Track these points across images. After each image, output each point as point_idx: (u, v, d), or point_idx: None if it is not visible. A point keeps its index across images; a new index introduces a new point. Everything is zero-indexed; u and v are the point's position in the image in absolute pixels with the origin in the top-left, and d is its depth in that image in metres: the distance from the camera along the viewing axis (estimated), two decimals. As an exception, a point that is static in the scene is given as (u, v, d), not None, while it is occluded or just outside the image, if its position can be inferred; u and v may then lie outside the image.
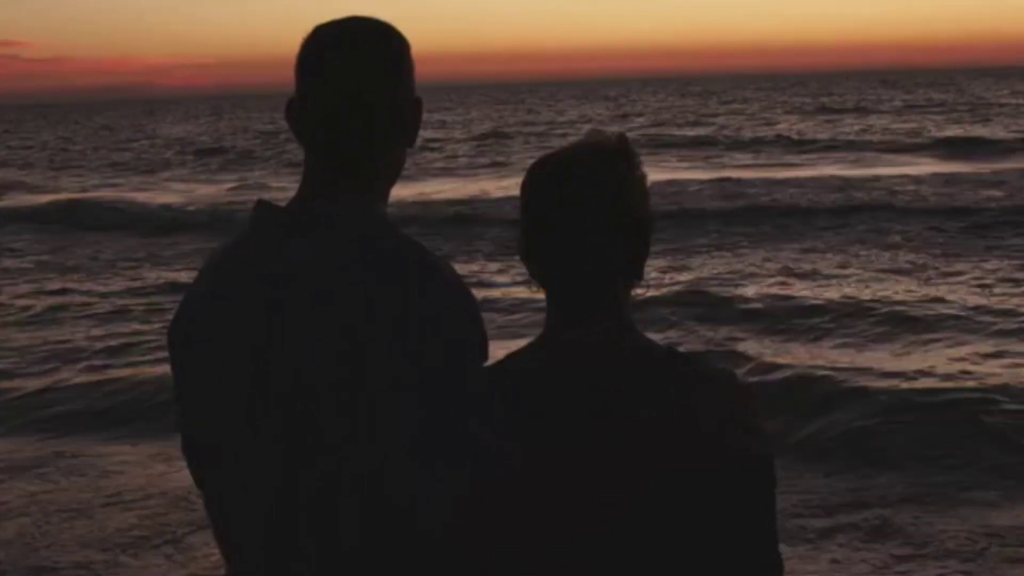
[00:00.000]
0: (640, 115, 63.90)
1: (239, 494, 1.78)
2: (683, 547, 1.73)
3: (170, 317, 1.91)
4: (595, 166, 1.80)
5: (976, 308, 11.64)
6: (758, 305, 12.20)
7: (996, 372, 9.16)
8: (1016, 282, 13.22)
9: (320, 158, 1.82)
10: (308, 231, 1.76)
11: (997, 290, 12.76)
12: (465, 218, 21.75)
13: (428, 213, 22.05)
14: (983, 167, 26.87)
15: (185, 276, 15.07)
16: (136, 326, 12.51)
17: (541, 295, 1.88)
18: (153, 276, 16.27)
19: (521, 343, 1.87)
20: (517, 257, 1.89)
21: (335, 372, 1.68)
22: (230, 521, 1.82)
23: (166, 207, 25.49)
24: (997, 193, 21.60)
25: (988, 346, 10.12)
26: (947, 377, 8.98)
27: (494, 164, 35.37)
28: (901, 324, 11.05)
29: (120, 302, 14.12)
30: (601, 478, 1.73)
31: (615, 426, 1.74)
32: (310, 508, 1.71)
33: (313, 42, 1.84)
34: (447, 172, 33.45)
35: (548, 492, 1.73)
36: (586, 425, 1.75)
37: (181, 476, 6.83)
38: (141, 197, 28.14)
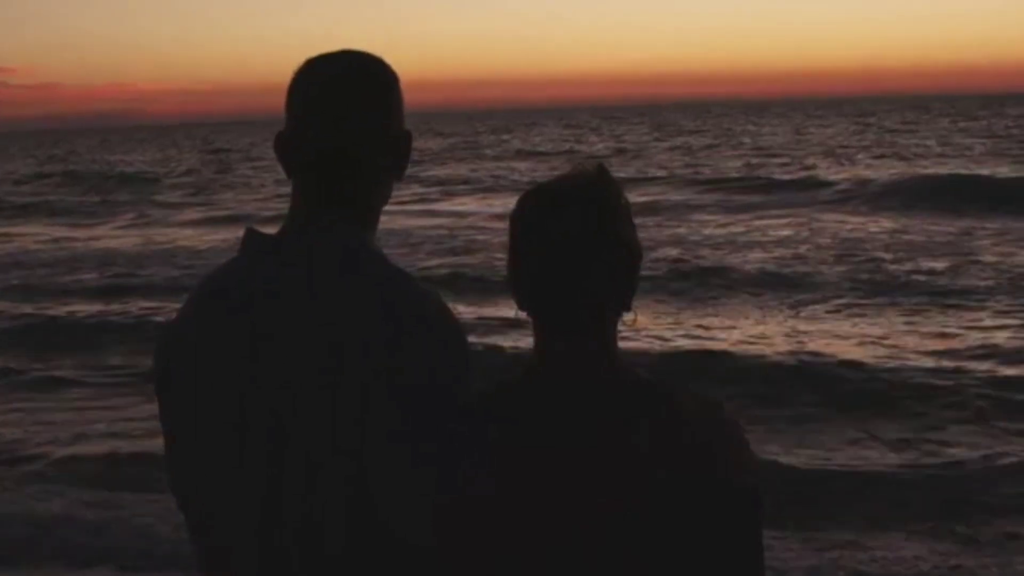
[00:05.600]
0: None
1: (228, 512, 1.80)
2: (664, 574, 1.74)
3: None
4: (585, 195, 1.82)
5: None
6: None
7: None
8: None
9: (309, 190, 1.85)
10: (294, 258, 1.79)
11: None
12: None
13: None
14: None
15: None
16: None
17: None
18: None
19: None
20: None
21: (316, 390, 1.72)
22: (218, 536, 1.83)
23: None
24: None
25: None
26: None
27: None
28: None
29: None
30: (582, 503, 1.74)
31: (599, 452, 1.75)
32: (296, 521, 1.75)
33: (304, 76, 1.86)
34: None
35: (529, 512, 1.75)
36: (570, 449, 1.76)
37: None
38: None
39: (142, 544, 6.60)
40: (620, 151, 50.43)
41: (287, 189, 1.89)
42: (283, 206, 1.93)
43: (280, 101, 1.89)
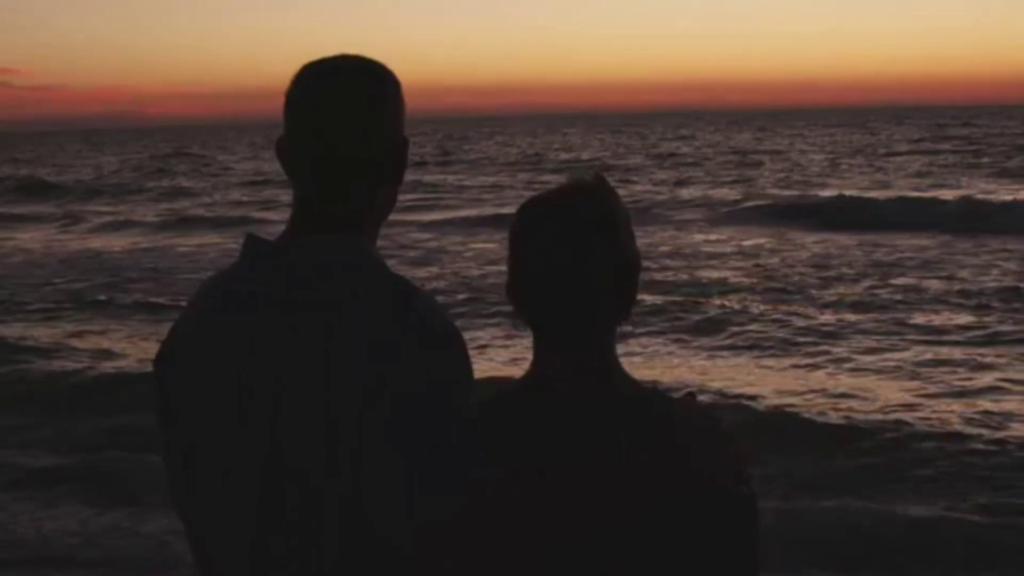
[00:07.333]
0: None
1: (222, 517, 1.80)
2: None
3: None
4: (585, 206, 1.82)
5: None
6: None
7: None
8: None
9: (309, 196, 1.83)
10: (294, 265, 1.78)
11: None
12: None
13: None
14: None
15: None
16: None
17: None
18: None
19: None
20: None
21: (314, 398, 1.71)
22: (212, 542, 1.83)
23: None
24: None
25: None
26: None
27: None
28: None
29: None
30: (582, 513, 1.74)
31: (599, 462, 1.75)
32: (291, 530, 1.74)
33: (302, 82, 1.84)
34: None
35: (526, 522, 1.75)
36: (570, 459, 1.76)
37: None
38: None
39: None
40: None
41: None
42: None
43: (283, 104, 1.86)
